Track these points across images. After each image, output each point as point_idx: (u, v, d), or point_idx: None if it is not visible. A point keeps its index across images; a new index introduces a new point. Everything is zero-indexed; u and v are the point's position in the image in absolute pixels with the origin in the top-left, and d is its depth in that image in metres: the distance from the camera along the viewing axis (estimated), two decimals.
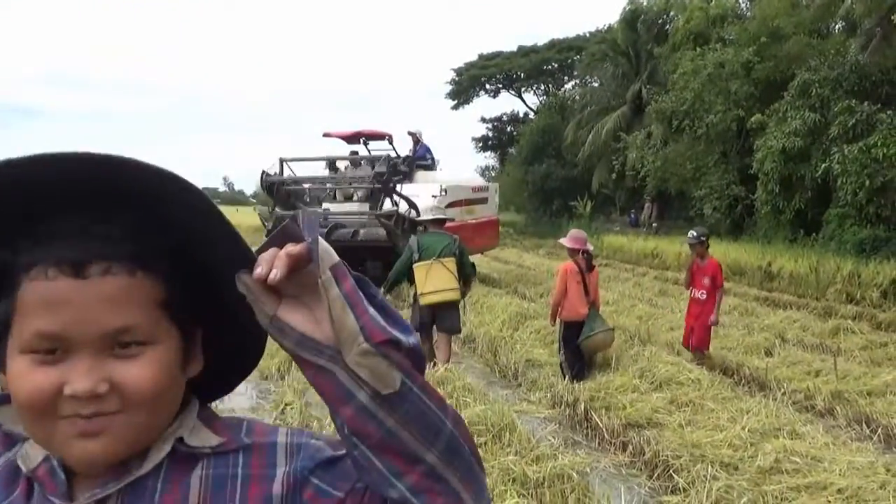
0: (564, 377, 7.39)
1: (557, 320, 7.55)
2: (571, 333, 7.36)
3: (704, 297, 7.68)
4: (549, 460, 4.45)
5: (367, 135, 15.93)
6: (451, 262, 7.14)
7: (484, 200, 15.55)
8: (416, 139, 15.72)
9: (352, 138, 16.04)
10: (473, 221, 14.91)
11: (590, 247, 7.61)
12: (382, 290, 7.78)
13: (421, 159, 15.42)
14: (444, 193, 13.38)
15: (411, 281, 7.46)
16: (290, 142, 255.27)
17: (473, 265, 15.69)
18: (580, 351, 7.38)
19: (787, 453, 4.76)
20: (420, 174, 14.82)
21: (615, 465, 5.19)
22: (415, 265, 7.12)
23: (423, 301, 7.11)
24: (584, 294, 7.35)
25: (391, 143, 15.74)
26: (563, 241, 7.62)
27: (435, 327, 7.34)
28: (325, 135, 16.25)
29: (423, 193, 13.26)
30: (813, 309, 12.11)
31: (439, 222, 7.62)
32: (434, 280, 7.05)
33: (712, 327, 7.78)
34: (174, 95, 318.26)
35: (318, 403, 6.37)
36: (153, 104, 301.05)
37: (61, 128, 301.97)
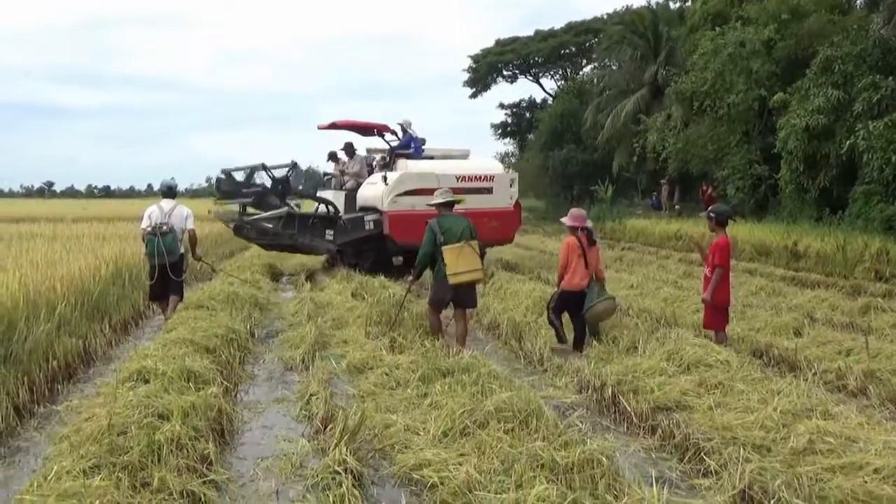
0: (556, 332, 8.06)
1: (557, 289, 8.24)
2: (564, 301, 8.00)
3: (709, 274, 7.57)
4: (578, 445, 4.37)
5: (342, 125, 16.45)
6: (476, 246, 7.69)
7: (485, 191, 14.94)
8: (403, 129, 15.95)
9: (365, 129, 16.53)
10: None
11: (588, 223, 8.17)
12: (413, 276, 8.23)
13: (403, 148, 15.64)
14: (385, 182, 14.25)
15: (433, 266, 7.81)
16: (298, 136, 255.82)
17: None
18: (583, 321, 7.90)
19: (821, 434, 4.65)
20: (400, 163, 15.03)
21: (645, 449, 5.12)
22: (446, 247, 7.52)
23: (455, 280, 7.53)
24: (585, 267, 7.91)
25: (381, 134, 16.31)
26: (565, 219, 8.22)
27: (452, 304, 7.93)
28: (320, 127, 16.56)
29: (379, 182, 14.50)
30: (841, 287, 11.93)
31: (448, 205, 7.99)
32: (465, 261, 7.54)
33: (722, 307, 7.61)
34: (181, 91, 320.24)
35: (342, 393, 6.38)
36: (162, 99, 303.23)
37: (74, 125, 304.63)
